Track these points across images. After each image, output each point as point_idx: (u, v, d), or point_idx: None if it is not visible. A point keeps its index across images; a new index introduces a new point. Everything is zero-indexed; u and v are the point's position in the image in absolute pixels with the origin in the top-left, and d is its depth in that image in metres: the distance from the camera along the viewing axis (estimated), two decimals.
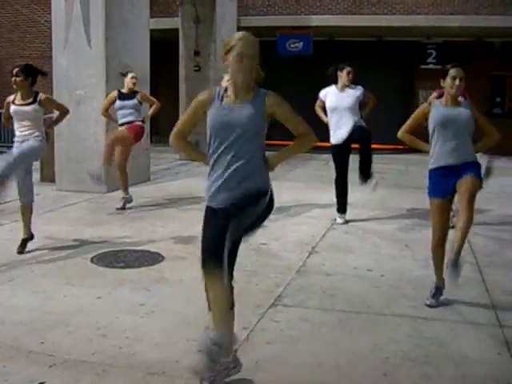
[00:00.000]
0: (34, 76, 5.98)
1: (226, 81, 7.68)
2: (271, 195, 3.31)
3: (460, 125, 4.52)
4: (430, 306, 4.60)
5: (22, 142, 5.87)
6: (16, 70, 5.92)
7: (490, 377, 3.47)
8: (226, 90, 3.26)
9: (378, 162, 13.58)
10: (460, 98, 4.72)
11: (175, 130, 3.41)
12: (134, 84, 8.33)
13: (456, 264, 4.38)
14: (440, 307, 4.58)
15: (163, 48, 15.07)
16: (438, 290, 4.68)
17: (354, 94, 7.46)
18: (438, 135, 4.55)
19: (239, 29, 15.39)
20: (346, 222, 7.51)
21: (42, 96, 5.97)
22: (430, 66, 16.42)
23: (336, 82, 7.54)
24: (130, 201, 8.39)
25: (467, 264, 5.72)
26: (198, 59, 14.10)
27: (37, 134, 5.91)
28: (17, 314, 4.32)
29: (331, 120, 7.48)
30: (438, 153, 4.56)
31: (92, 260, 5.75)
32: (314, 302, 4.70)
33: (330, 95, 7.53)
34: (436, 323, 4.31)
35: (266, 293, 4.85)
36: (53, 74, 9.88)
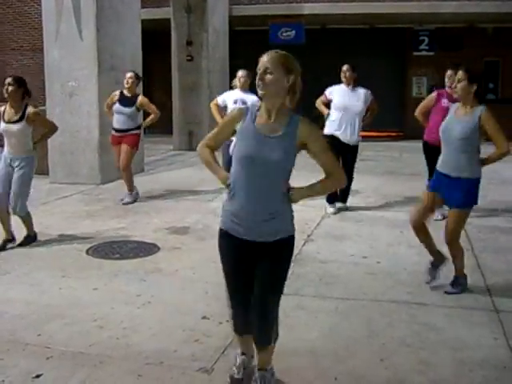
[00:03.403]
0: (26, 88, 5.83)
1: (240, 77, 7.58)
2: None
3: (455, 139, 4.44)
4: (427, 282, 4.75)
5: (10, 161, 5.86)
6: (9, 79, 5.80)
7: (486, 362, 3.48)
8: (258, 109, 2.95)
9: (372, 150, 13.69)
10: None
11: (203, 141, 3.15)
12: (133, 83, 8.09)
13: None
14: (435, 292, 4.60)
15: (155, 38, 14.99)
16: (434, 266, 4.79)
17: (363, 98, 7.30)
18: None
19: (231, 18, 15.33)
20: (338, 211, 7.46)
21: (30, 111, 5.79)
22: (423, 52, 16.37)
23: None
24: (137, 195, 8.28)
25: None
26: (191, 49, 14.05)
27: (25, 150, 5.92)
28: (13, 307, 4.32)
29: (334, 116, 7.29)
30: (440, 158, 4.68)
31: (87, 252, 5.74)
32: (311, 290, 4.71)
33: (338, 92, 7.33)
34: (432, 309, 4.33)
35: None
36: (44, 66, 9.84)
